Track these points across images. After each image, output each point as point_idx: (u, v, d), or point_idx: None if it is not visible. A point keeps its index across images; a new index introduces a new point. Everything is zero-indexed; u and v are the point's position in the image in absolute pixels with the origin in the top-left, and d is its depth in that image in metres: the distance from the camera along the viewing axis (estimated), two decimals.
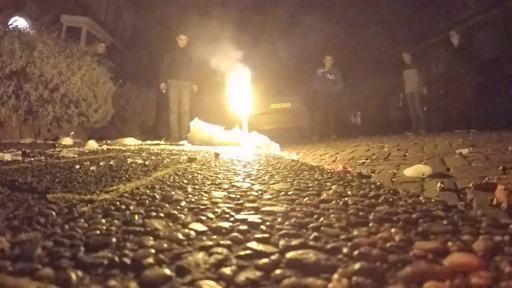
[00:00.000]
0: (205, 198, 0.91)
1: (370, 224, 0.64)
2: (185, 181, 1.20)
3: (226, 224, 0.65)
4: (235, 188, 1.06)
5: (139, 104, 6.75)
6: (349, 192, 0.96)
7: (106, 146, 3.48)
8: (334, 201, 0.84)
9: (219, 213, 0.74)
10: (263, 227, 0.64)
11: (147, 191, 0.99)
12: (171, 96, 6.10)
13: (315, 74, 7.11)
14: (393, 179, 1.94)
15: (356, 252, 0.50)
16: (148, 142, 4.95)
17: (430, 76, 7.26)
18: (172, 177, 1.31)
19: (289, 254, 0.50)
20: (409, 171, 1.95)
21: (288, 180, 1.21)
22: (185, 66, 5.99)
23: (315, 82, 7.05)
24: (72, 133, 4.45)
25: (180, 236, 0.58)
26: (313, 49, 6.88)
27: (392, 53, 7.92)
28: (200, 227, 0.64)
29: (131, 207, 0.78)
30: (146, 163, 1.82)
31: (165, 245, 0.53)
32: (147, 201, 0.85)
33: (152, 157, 2.20)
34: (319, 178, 1.27)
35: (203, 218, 0.70)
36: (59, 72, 4.15)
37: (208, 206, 0.81)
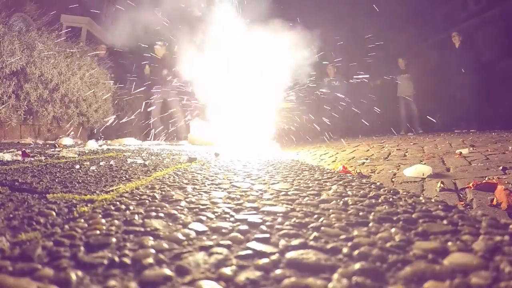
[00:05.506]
0: (205, 198, 0.91)
1: (370, 224, 0.64)
2: (185, 181, 1.20)
3: (226, 224, 0.65)
4: (235, 188, 1.06)
5: (139, 104, 6.77)
6: (349, 192, 0.96)
7: (106, 146, 3.48)
8: (334, 201, 0.84)
9: (219, 213, 0.74)
10: (263, 227, 0.64)
11: (147, 191, 0.99)
12: (155, 101, 6.43)
13: (321, 82, 7.98)
14: (393, 179, 1.94)
15: (356, 252, 0.50)
16: (148, 142, 4.96)
17: (425, 79, 7.51)
18: (172, 177, 1.31)
19: (289, 254, 0.50)
20: (409, 171, 1.95)
21: (288, 180, 1.21)
22: (165, 74, 6.26)
23: (323, 89, 7.89)
24: (72, 133, 4.45)
25: (180, 236, 0.58)
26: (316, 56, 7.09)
27: (387, 57, 8.16)
28: (200, 227, 0.64)
29: (131, 207, 0.78)
30: (146, 163, 1.82)
31: (165, 245, 0.53)
32: (147, 201, 0.85)
33: (152, 157, 2.20)
34: (319, 178, 1.27)
35: (203, 218, 0.70)
36: (59, 72, 4.15)
37: (208, 206, 0.81)
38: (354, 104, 7.41)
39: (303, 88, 6.74)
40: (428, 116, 7.01)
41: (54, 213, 0.72)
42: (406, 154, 3.11)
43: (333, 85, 7.87)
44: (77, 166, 1.56)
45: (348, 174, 1.65)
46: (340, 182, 1.15)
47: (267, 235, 0.59)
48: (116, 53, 6.81)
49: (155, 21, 5.29)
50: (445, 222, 0.64)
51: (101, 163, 1.72)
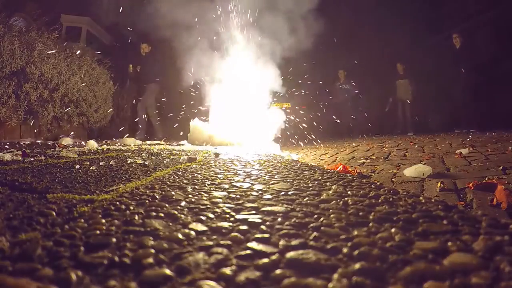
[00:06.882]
0: (205, 198, 0.91)
1: (370, 224, 0.64)
2: (185, 181, 1.20)
3: (226, 224, 0.65)
4: (235, 188, 1.06)
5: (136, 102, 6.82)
6: (349, 192, 0.96)
7: (106, 146, 3.48)
8: (334, 201, 0.84)
9: (219, 213, 0.74)
10: (263, 227, 0.64)
11: (147, 191, 0.99)
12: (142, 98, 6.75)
13: (333, 86, 8.55)
14: (393, 179, 1.94)
15: (356, 252, 0.50)
16: (148, 142, 4.96)
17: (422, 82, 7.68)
18: (172, 177, 1.31)
19: (289, 254, 0.50)
20: (409, 171, 1.95)
21: (288, 180, 1.21)
22: (148, 71, 6.51)
23: (334, 93, 8.45)
24: (72, 133, 4.45)
25: (180, 236, 0.58)
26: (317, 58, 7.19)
27: (386, 61, 8.35)
28: (200, 227, 0.64)
29: (131, 207, 0.78)
30: (146, 163, 1.82)
31: (165, 245, 0.53)
32: (147, 201, 0.85)
33: (152, 157, 2.20)
34: (319, 178, 1.27)
35: (203, 218, 0.70)
36: (59, 72, 4.15)
37: (208, 206, 0.81)
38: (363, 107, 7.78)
39: (304, 86, 6.84)
40: (428, 118, 7.16)
41: (54, 213, 0.72)
42: (406, 154, 3.11)
43: (343, 89, 8.52)
44: (77, 166, 1.56)
45: (348, 174, 1.65)
46: (340, 182, 1.15)
47: (267, 235, 0.59)
48: (114, 51, 6.88)
49: (152, 18, 5.32)
50: (445, 222, 0.64)
51: (101, 163, 1.72)
